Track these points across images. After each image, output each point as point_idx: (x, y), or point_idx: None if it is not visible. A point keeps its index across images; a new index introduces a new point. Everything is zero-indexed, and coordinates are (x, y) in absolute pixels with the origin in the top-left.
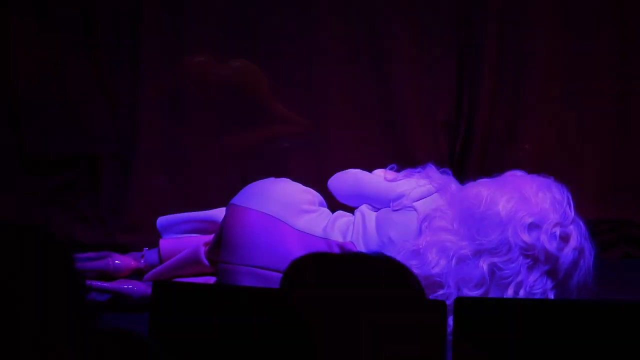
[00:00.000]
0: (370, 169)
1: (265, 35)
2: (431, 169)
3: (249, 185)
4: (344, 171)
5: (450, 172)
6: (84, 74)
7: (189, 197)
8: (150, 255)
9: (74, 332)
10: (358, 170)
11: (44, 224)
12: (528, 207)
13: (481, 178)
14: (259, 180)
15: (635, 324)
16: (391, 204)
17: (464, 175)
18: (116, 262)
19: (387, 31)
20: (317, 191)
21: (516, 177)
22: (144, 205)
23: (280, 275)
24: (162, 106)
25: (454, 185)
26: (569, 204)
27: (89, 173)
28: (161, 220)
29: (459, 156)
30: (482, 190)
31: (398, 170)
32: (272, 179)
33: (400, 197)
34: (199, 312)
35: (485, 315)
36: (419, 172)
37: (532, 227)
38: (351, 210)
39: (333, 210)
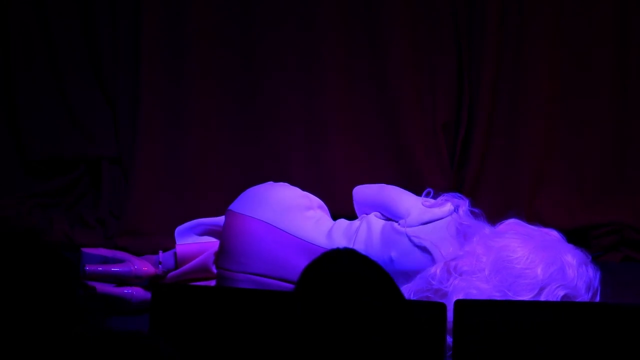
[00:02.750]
0: (370, 171)
1: (265, 40)
2: (464, 209)
3: (247, 191)
4: (378, 184)
5: (482, 214)
6: (83, 77)
7: (188, 201)
8: (167, 261)
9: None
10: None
11: (35, 231)
12: (566, 278)
13: (513, 218)
14: (258, 185)
15: (635, 327)
16: (399, 221)
17: (463, 177)
18: (137, 268)
19: (387, 34)
20: (317, 196)
21: (556, 241)
22: (143, 208)
23: (279, 282)
24: (162, 110)
25: (487, 229)
26: (599, 287)
27: (89, 177)
28: (178, 228)
29: (458, 159)
30: (522, 247)
31: (434, 197)
32: (270, 184)
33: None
34: (198, 314)
35: (485, 317)
36: (454, 199)
37: (565, 299)
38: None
39: (334, 216)
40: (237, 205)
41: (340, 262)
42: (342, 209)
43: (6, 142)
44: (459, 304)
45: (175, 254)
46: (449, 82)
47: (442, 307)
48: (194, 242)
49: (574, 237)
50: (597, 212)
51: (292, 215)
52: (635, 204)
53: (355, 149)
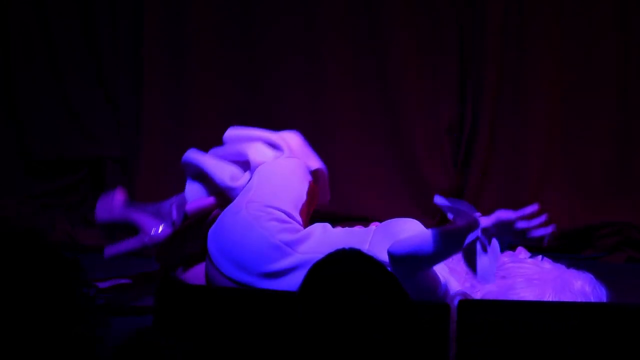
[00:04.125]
0: (373, 173)
1: (265, 40)
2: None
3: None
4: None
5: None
6: (85, 78)
7: None
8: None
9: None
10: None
11: (39, 230)
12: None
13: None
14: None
15: (638, 328)
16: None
17: (466, 179)
18: (152, 237)
19: (389, 36)
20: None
21: (560, 271)
22: None
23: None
24: (164, 110)
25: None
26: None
27: (92, 177)
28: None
29: (462, 161)
30: (527, 286)
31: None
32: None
33: None
34: (202, 313)
35: (488, 317)
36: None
37: None
38: None
39: (333, 217)
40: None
41: (344, 262)
42: (342, 210)
43: (9, 143)
44: (462, 303)
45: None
46: (452, 85)
47: (446, 307)
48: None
49: (577, 237)
50: (601, 213)
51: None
52: (638, 204)
53: (358, 151)
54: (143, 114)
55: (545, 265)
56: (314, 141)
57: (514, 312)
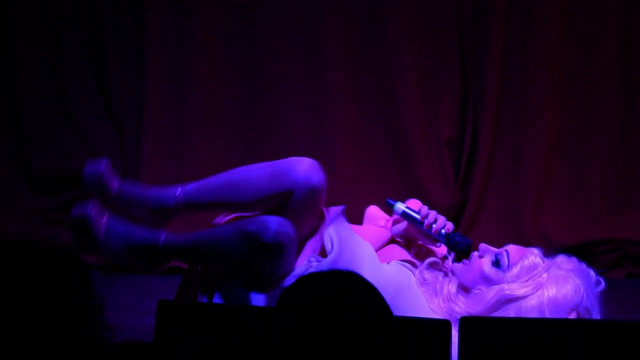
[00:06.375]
0: (374, 187)
1: (269, 48)
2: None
3: None
4: None
5: None
6: (89, 93)
7: (194, 215)
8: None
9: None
10: None
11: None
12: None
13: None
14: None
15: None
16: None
17: (467, 193)
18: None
19: (393, 51)
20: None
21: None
22: None
23: None
24: (167, 122)
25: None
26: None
27: None
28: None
29: (463, 174)
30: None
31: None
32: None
33: None
34: (202, 331)
35: (490, 334)
36: None
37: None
38: None
39: None
40: None
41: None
42: None
43: (13, 157)
44: (464, 321)
45: None
46: (453, 97)
47: (446, 324)
48: None
49: (578, 252)
50: (602, 228)
51: None
52: (638, 219)
53: (359, 164)
54: (144, 126)
55: (561, 260)
56: (314, 155)
57: (519, 330)
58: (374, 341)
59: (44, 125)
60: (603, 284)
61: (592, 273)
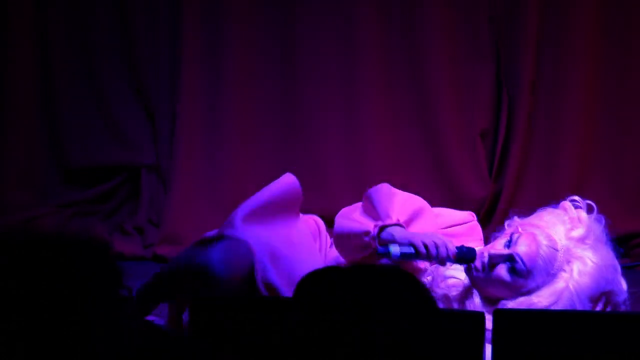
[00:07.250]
0: (408, 181)
1: (305, 39)
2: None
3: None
4: None
5: None
6: (122, 86)
7: (227, 209)
8: None
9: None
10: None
11: (106, 240)
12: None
13: None
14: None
15: None
16: None
17: (501, 186)
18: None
19: (425, 42)
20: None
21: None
22: (182, 216)
23: None
24: (200, 118)
25: None
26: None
27: (128, 184)
28: None
29: (497, 167)
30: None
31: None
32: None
33: None
34: (238, 327)
35: (524, 326)
36: None
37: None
38: None
39: None
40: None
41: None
42: None
43: (46, 151)
44: (498, 313)
45: None
46: (487, 90)
47: (480, 316)
48: None
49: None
50: (637, 221)
51: None
52: None
53: (393, 159)
54: (179, 122)
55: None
56: (349, 151)
57: (553, 322)
58: (412, 332)
59: (78, 117)
60: (621, 252)
61: (609, 243)
